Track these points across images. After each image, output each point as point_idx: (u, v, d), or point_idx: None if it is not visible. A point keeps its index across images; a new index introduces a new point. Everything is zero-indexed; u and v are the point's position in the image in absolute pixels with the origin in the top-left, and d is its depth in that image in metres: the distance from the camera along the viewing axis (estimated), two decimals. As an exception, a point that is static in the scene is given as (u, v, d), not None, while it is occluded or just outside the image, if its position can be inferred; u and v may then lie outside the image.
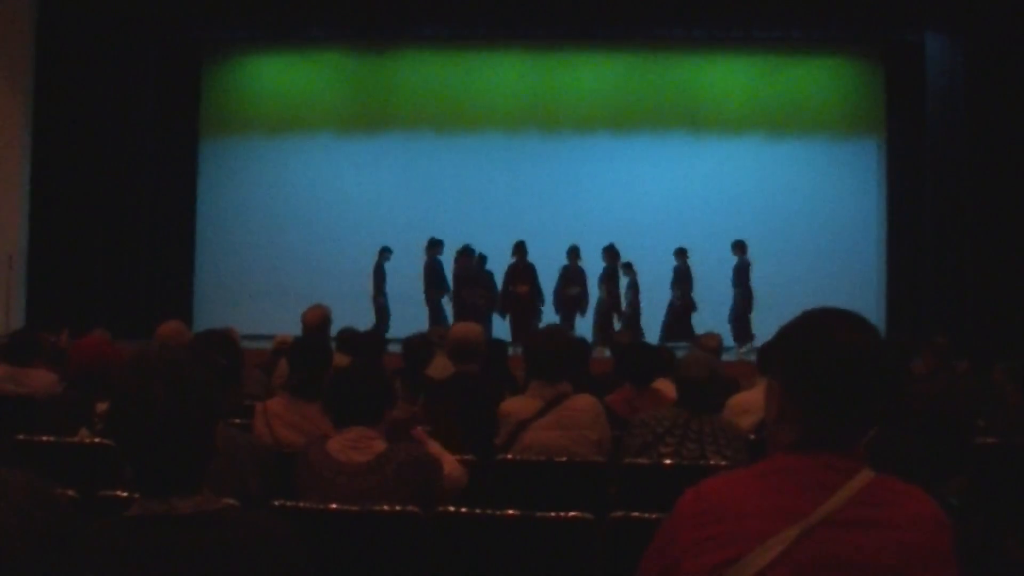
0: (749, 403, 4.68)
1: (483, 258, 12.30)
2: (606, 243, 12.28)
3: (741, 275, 12.19)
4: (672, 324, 12.10)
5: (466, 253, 12.21)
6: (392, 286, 12.80)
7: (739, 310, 12.14)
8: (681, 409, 3.81)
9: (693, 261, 12.44)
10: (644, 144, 13.84)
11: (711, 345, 5.99)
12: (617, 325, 11.83)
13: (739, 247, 12.23)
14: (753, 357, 7.08)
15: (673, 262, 12.35)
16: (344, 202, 14.03)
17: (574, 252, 12.10)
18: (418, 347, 5.59)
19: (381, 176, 14.10)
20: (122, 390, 1.62)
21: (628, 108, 13.95)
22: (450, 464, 3.23)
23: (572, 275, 12.06)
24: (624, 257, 12.25)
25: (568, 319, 11.84)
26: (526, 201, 13.73)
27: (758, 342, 9.38)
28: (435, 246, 12.40)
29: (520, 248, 12.12)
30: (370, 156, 14.15)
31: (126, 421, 1.60)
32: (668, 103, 13.89)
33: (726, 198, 13.48)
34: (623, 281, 12.21)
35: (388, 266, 12.82)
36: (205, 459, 1.65)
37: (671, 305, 12.20)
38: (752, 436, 4.14)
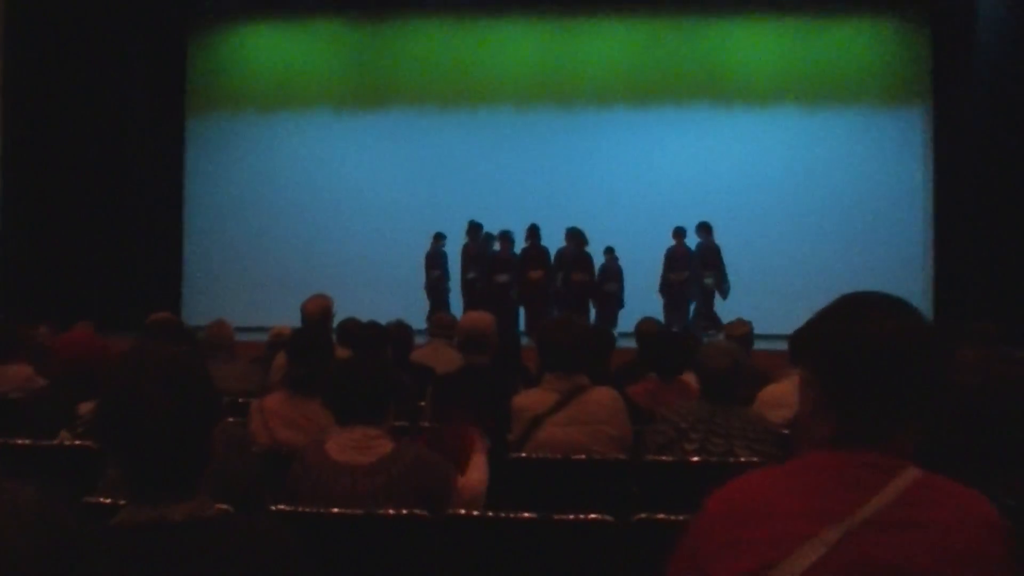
0: (781, 396, 4.66)
1: (509, 239, 12.21)
2: (626, 225, 12.28)
3: (709, 258, 12.06)
4: (704, 310, 12.04)
5: (473, 231, 12.25)
6: (395, 273, 12.84)
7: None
8: (705, 402, 3.80)
9: (720, 242, 12.37)
10: (666, 118, 13.77)
11: (739, 333, 5.97)
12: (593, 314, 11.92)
13: (704, 229, 12.12)
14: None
15: (695, 239, 12.25)
16: (343, 184, 14.05)
17: (574, 236, 12.04)
18: (399, 334, 5.58)
19: (382, 156, 14.11)
20: (113, 387, 1.61)
21: (648, 79, 13.88)
22: (470, 480, 3.22)
23: (575, 260, 12.04)
24: (645, 240, 12.23)
25: (575, 307, 11.79)
26: (539, 181, 13.71)
27: (779, 329, 9.35)
28: (440, 239, 12.55)
29: (533, 232, 12.12)
30: (370, 134, 14.16)
31: (117, 421, 1.59)
32: (692, 73, 13.80)
33: (756, 175, 13.42)
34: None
35: (389, 250, 12.86)
36: (201, 463, 1.64)
37: (703, 288, 12.09)
38: (785, 431, 4.12)
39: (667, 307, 12.05)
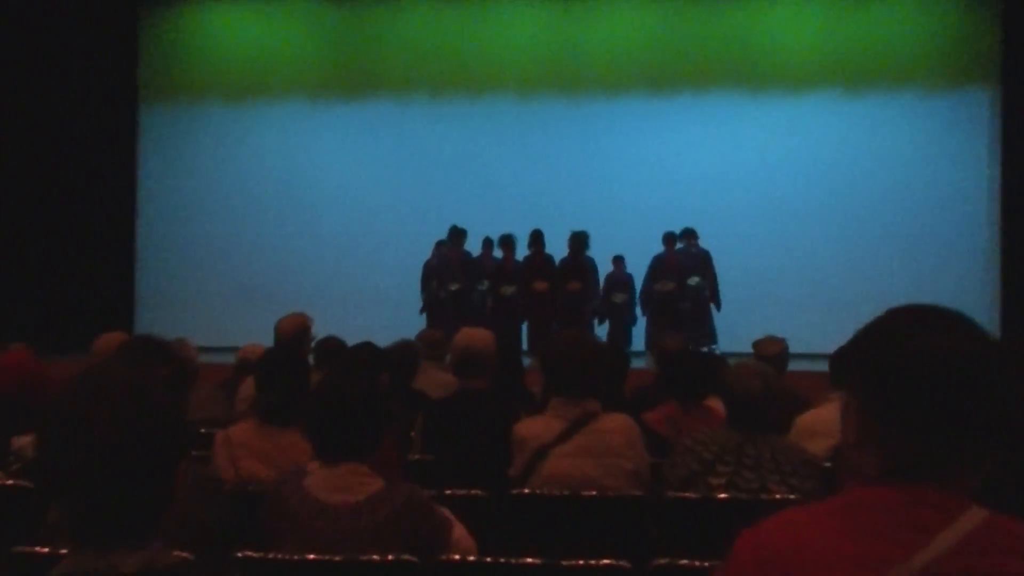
0: (822, 423, 4.65)
1: (512, 245, 12.30)
2: (641, 228, 12.31)
3: (697, 265, 12.20)
4: (698, 322, 12.09)
5: (457, 237, 12.30)
6: (381, 286, 12.86)
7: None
8: (734, 430, 3.79)
9: (749, 247, 12.37)
10: (686, 107, 13.80)
11: (771, 352, 5.95)
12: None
13: (690, 235, 12.28)
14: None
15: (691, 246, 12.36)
16: (321, 183, 14.07)
17: (571, 240, 12.11)
18: (402, 356, 5.58)
19: (366, 151, 14.14)
20: (56, 416, 1.58)
21: (666, 62, 13.92)
22: (461, 534, 3.21)
23: (569, 267, 12.10)
24: (661, 246, 12.29)
25: (571, 320, 11.83)
26: (542, 179, 13.74)
27: (818, 347, 9.34)
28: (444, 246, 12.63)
29: (537, 238, 12.15)
30: (352, 127, 14.19)
31: (59, 456, 1.55)
32: (716, 54, 13.83)
33: (790, 171, 13.42)
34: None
35: (375, 260, 12.88)
36: (159, 505, 1.61)
37: (693, 295, 12.15)
38: (826, 463, 4.11)
39: (650, 323, 12.14)
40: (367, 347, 5.27)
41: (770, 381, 3.89)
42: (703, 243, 12.40)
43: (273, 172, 14.17)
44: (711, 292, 12.31)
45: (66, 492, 1.58)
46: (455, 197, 13.62)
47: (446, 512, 3.25)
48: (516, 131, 13.96)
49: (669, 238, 12.27)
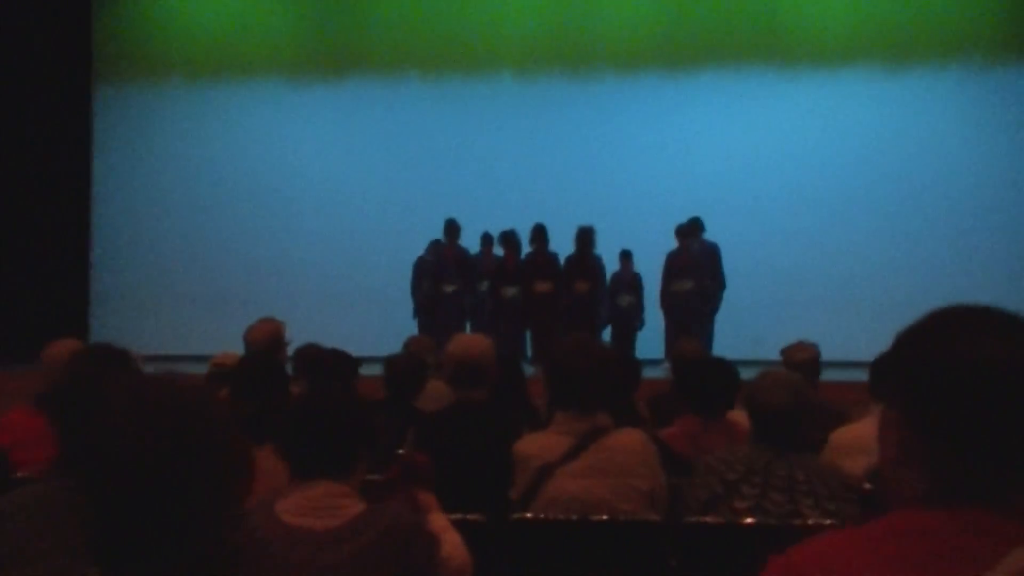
0: (860, 439, 4.64)
1: (515, 242, 12.32)
2: (656, 222, 12.32)
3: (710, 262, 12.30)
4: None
5: (452, 232, 12.35)
6: (368, 284, 12.87)
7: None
8: (761, 448, 3.78)
9: (778, 243, 12.35)
10: (709, 87, 13.81)
11: (801, 359, 5.95)
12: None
13: (686, 231, 12.31)
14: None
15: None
16: (301, 172, 14.09)
17: (578, 236, 12.14)
18: (407, 370, 5.57)
19: (351, 137, 14.16)
20: (103, 431, 1.60)
21: (687, 38, 13.95)
22: (452, 546, 3.20)
23: (577, 265, 12.13)
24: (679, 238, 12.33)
25: (578, 324, 11.85)
26: (546, 167, 13.75)
27: (856, 355, 9.34)
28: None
29: (540, 233, 12.15)
30: (334, 110, 14.21)
31: (100, 475, 1.58)
32: (742, 29, 13.87)
33: (823, 158, 13.42)
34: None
35: (361, 258, 12.90)
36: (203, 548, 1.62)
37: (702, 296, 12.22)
38: (866, 485, 4.11)
39: (669, 327, 12.16)
40: (343, 355, 5.28)
41: (800, 392, 3.88)
42: (727, 238, 12.38)
43: (246, 161, 14.17)
44: (714, 292, 12.28)
45: (100, 512, 1.60)
46: (450, 188, 13.63)
47: (437, 520, 3.24)
48: (517, 115, 13.97)
49: (683, 231, 12.28)
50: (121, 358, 3.68)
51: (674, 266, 12.28)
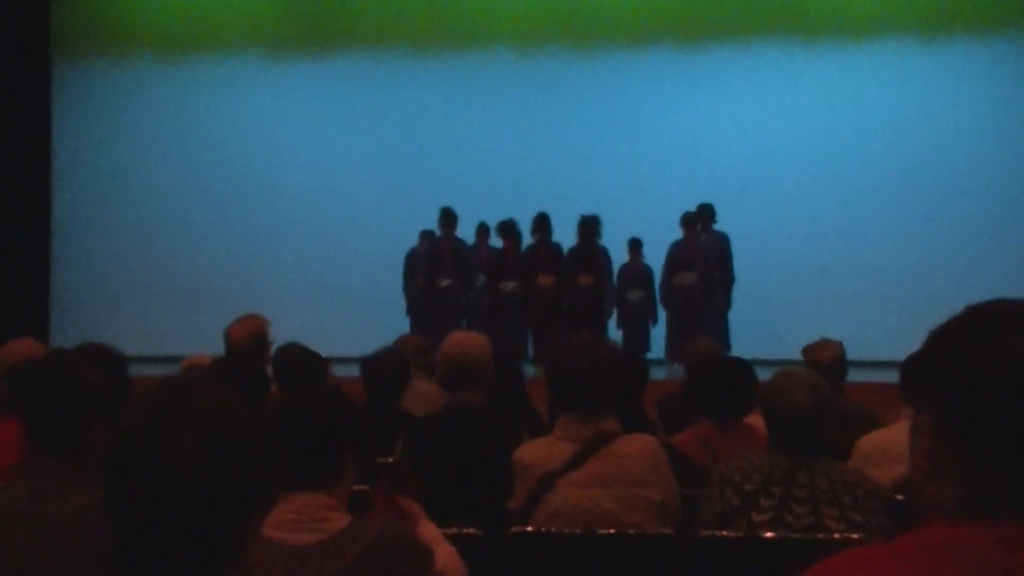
0: (890, 445, 4.64)
1: (515, 232, 12.31)
2: (667, 209, 12.31)
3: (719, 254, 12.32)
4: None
5: (448, 221, 12.35)
6: (355, 278, 12.87)
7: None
8: (781, 455, 3.78)
9: (801, 233, 12.35)
10: (725, 62, 13.80)
11: (825, 358, 5.95)
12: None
13: (691, 220, 12.29)
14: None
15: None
16: (281, 156, 14.08)
17: (582, 225, 12.12)
18: (389, 369, 5.56)
19: (336, 118, 14.15)
20: (127, 445, 1.61)
21: (701, 8, 13.95)
22: (446, 557, 3.21)
23: (581, 257, 12.12)
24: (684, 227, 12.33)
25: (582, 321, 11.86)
26: (549, 153, 13.73)
27: (885, 354, 9.35)
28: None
29: (542, 223, 12.13)
30: (319, 88, 14.21)
31: (126, 489, 1.59)
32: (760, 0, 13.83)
33: (854, 139, 13.39)
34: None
35: (347, 250, 12.91)
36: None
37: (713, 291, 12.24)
38: (897, 496, 4.11)
39: (672, 323, 12.22)
40: (305, 353, 5.29)
41: (822, 393, 3.88)
42: (744, 227, 12.38)
43: (222, 144, 14.15)
44: (724, 283, 12.29)
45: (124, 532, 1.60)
46: (444, 174, 13.63)
47: (427, 530, 3.24)
48: (516, 94, 13.98)
49: (689, 219, 12.27)
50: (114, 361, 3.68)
51: (677, 258, 12.27)
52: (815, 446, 3.82)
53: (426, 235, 12.68)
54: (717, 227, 12.39)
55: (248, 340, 5.83)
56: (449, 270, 12.43)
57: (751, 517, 3.70)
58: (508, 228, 12.34)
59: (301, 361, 5.73)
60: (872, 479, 3.94)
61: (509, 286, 12.20)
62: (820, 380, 4.04)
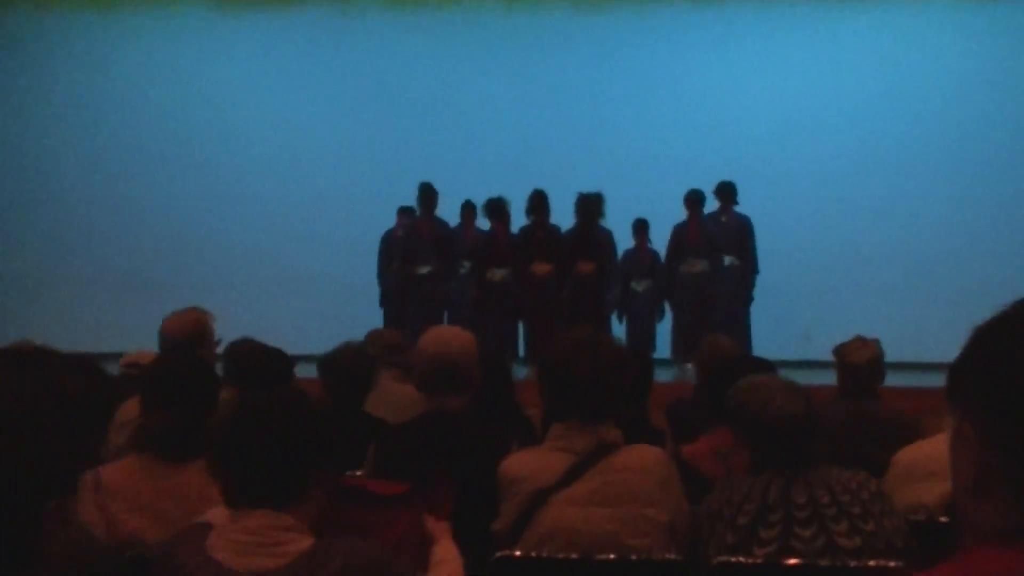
0: (933, 459, 4.63)
1: (504, 213, 12.33)
2: (680, 185, 12.32)
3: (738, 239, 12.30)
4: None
5: (428, 198, 12.32)
6: (320, 264, 12.87)
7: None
8: (770, 474, 3.80)
9: (833, 215, 12.36)
10: (746, 17, 13.85)
11: (860, 359, 5.94)
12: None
13: (695, 199, 12.33)
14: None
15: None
16: (233, 123, 14.06)
17: (587, 205, 12.11)
18: (350, 367, 5.56)
19: (298, 79, 14.15)
20: None
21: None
22: (448, 565, 3.23)
23: (580, 242, 12.15)
24: (711, 203, 12.32)
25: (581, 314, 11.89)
26: (544, 121, 13.75)
27: (928, 354, 9.38)
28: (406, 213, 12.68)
29: (539, 202, 12.11)
30: (278, 44, 14.20)
31: None
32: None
33: (894, 106, 13.42)
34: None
35: (312, 232, 12.90)
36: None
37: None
38: (942, 518, 4.12)
39: (678, 318, 12.27)
40: (268, 351, 5.29)
41: (808, 397, 3.92)
42: (765, 209, 12.39)
43: (163, 111, 14.14)
44: (744, 271, 12.31)
45: None
46: (423, 145, 13.66)
47: (442, 551, 3.24)
48: (507, 54, 14.01)
49: (692, 199, 12.28)
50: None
51: (682, 242, 12.26)
52: (810, 456, 3.83)
53: (406, 213, 12.64)
54: (737, 209, 12.38)
55: (184, 336, 5.82)
56: (429, 255, 12.40)
57: (754, 554, 3.70)
58: (497, 208, 12.32)
59: (259, 360, 5.74)
60: (873, 480, 3.95)
61: (499, 274, 12.18)
62: (798, 384, 4.06)
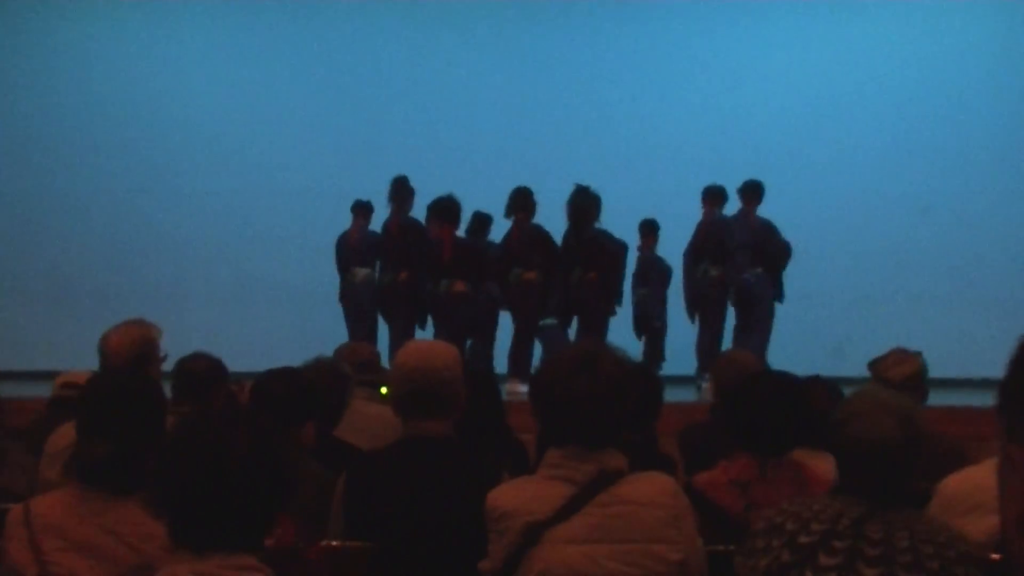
0: (982, 489, 4.64)
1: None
2: (689, 184, 12.34)
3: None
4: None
5: (401, 193, 12.30)
6: (280, 271, 12.91)
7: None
8: (849, 500, 3.77)
9: (866, 214, 12.41)
10: (751, 8, 13.82)
11: (899, 375, 5.96)
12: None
13: (713, 195, 12.31)
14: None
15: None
16: (185, 112, 14.12)
17: (580, 202, 12.04)
18: (321, 387, 5.56)
19: (258, 63, 14.22)
20: None
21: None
22: None
23: (578, 246, 12.13)
24: (734, 203, 12.35)
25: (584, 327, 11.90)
26: (536, 109, 13.79)
27: (976, 369, 9.41)
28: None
29: (523, 200, 12.11)
30: (236, 24, 14.28)
31: None
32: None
33: (927, 93, 13.53)
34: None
35: (272, 235, 12.93)
36: None
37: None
38: (992, 554, 4.12)
39: (704, 329, 12.30)
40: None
41: (913, 421, 3.86)
42: (790, 208, 12.40)
43: (105, 97, 14.17)
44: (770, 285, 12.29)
45: None
46: (400, 138, 13.73)
47: None
48: (493, 35, 14.06)
49: (711, 196, 12.29)
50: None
51: (695, 243, 12.25)
52: (897, 491, 3.80)
53: (360, 211, 12.44)
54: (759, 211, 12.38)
55: (127, 352, 5.82)
56: (402, 259, 12.30)
57: (807, 577, 3.69)
58: (446, 208, 12.20)
59: (213, 379, 5.74)
60: (966, 538, 3.94)
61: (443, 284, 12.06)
62: (913, 407, 4.03)
